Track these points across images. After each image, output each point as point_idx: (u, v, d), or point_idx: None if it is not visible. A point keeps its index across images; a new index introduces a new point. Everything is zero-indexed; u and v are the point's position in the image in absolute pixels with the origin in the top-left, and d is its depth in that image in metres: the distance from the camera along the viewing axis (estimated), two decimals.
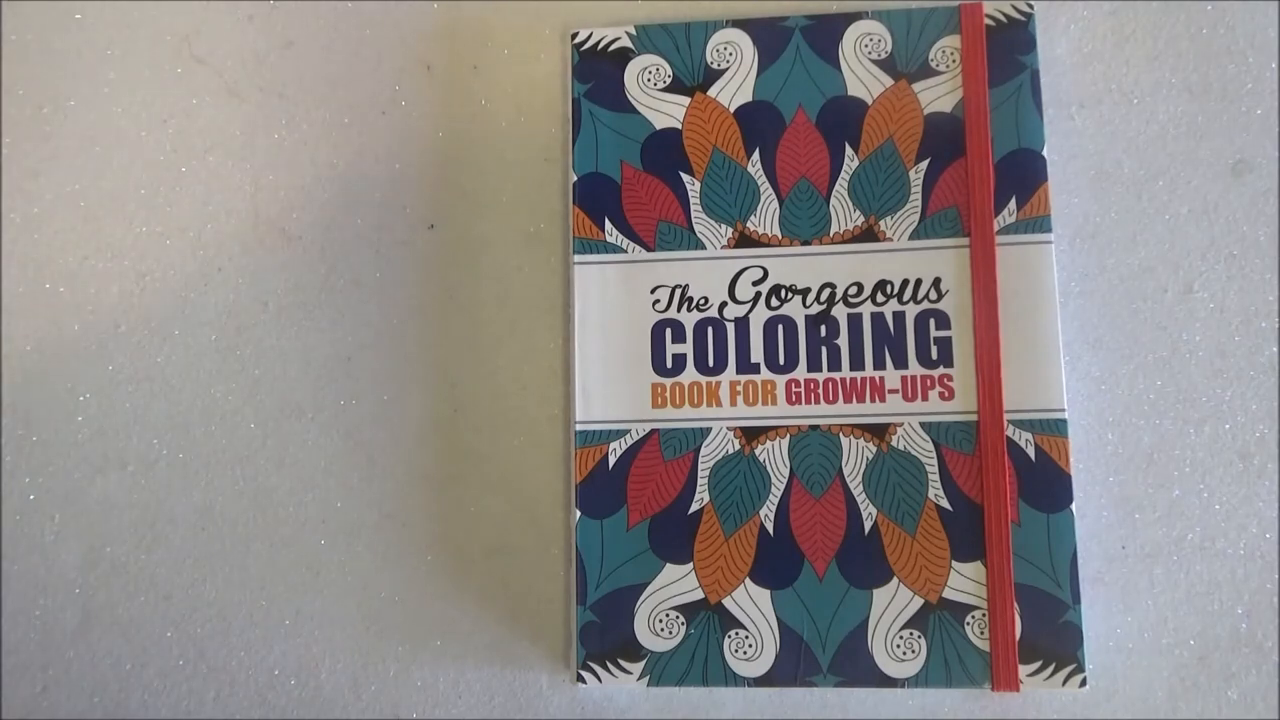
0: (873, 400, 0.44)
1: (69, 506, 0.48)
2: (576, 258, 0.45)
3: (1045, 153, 0.44)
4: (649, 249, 0.45)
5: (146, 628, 0.48)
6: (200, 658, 0.47)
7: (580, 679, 0.43)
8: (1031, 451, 0.42)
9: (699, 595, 0.43)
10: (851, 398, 0.44)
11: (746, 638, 0.43)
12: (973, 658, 0.42)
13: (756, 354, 0.44)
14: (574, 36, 0.47)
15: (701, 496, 0.44)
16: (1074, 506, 0.42)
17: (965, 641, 0.42)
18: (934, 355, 0.44)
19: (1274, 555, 0.44)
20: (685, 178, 0.45)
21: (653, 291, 0.45)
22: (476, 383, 0.48)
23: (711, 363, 0.44)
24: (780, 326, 0.44)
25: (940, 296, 0.44)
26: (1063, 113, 0.47)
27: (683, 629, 0.43)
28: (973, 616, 0.42)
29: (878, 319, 0.44)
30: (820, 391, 0.44)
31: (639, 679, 0.43)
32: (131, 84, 0.51)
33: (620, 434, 0.44)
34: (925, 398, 0.43)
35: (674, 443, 0.44)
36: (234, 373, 0.49)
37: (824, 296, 0.44)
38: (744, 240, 0.45)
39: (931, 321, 0.44)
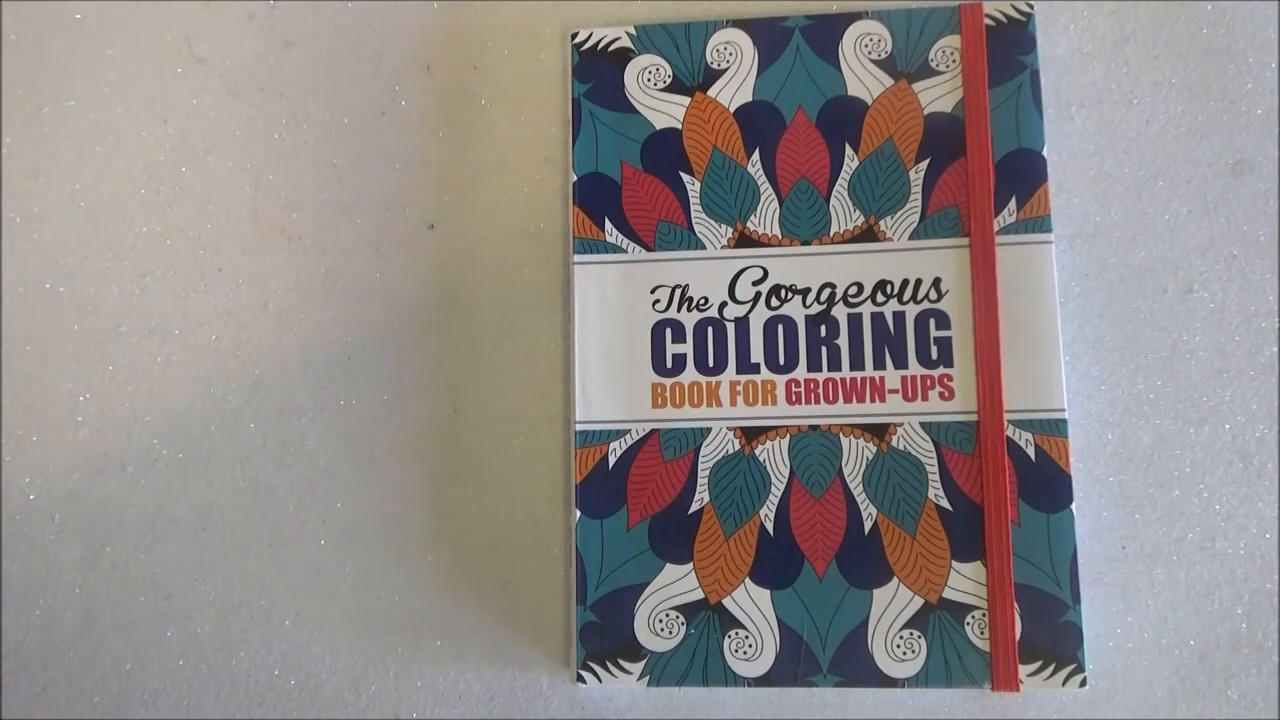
0: (873, 400, 0.44)
1: (69, 506, 0.48)
2: (576, 258, 0.45)
3: (1045, 153, 0.44)
4: (649, 249, 0.45)
5: (146, 628, 0.48)
6: (200, 658, 0.47)
7: (580, 679, 0.43)
8: (1031, 451, 0.42)
9: (699, 595, 0.43)
10: (851, 398, 0.44)
11: (746, 638, 0.43)
12: (973, 658, 0.42)
13: (756, 354, 0.44)
14: (574, 36, 0.47)
15: (701, 496, 0.44)
16: (1074, 506, 0.42)
17: (965, 641, 0.42)
18: (934, 355, 0.44)
19: (1274, 555, 0.44)
20: (685, 178, 0.45)
21: (653, 291, 0.45)
22: (476, 383, 0.48)
23: (711, 363, 0.44)
24: (780, 326, 0.44)
25: (940, 296, 0.44)
26: (1063, 113, 0.47)
27: (683, 629, 0.43)
28: (973, 616, 0.42)
29: (878, 319, 0.44)
30: (820, 391, 0.44)
31: (639, 679, 0.43)
32: (131, 84, 0.51)
33: (620, 434, 0.44)
34: (925, 398, 0.43)
35: (674, 443, 0.44)
36: (234, 373, 0.49)
37: (824, 296, 0.44)
38: (744, 240, 0.45)
39: (931, 321, 0.44)
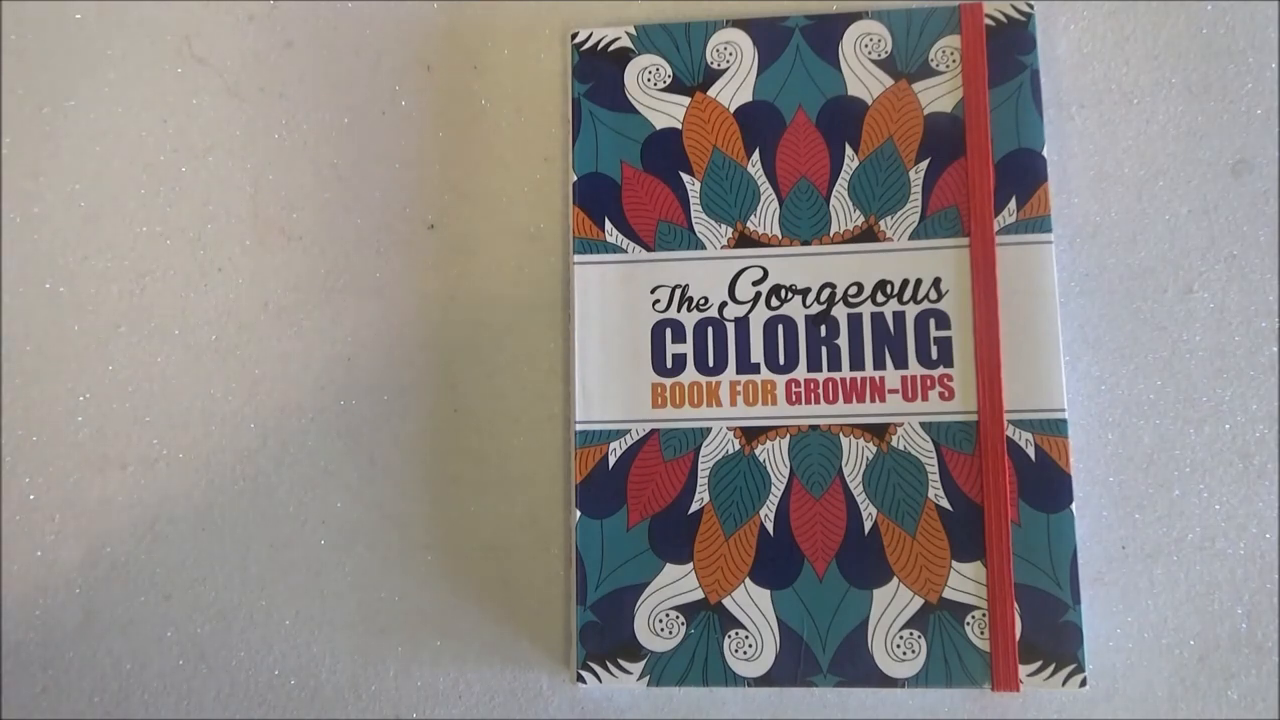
0: (873, 400, 0.44)
1: (69, 506, 0.48)
2: (576, 258, 0.45)
3: (1045, 153, 0.44)
4: (649, 249, 0.45)
5: (146, 628, 0.48)
6: (200, 658, 0.47)
7: (580, 679, 0.43)
8: (1031, 451, 0.42)
9: (699, 595, 0.43)
10: (851, 398, 0.44)
11: (746, 638, 0.43)
12: (973, 658, 0.42)
13: (756, 354, 0.44)
14: (574, 36, 0.47)
15: (701, 496, 0.44)
16: (1074, 506, 0.42)
17: (965, 641, 0.42)
18: (934, 355, 0.44)
19: (1274, 555, 0.44)
20: (685, 178, 0.45)
21: (653, 291, 0.45)
22: (476, 383, 0.48)
23: (711, 363, 0.44)
24: (780, 326, 0.44)
25: (940, 296, 0.44)
26: (1063, 113, 0.47)
27: (683, 629, 0.43)
28: (973, 616, 0.42)
29: (878, 319, 0.44)
30: (820, 391, 0.44)
31: (639, 679, 0.43)
32: (131, 84, 0.51)
33: (620, 434, 0.44)
34: (925, 398, 0.43)
35: (674, 443, 0.44)
36: (234, 373, 0.49)
37: (824, 296, 0.44)
38: (744, 240, 0.45)
39: (931, 321, 0.44)
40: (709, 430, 0.44)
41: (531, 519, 0.47)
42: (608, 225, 0.45)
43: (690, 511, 0.44)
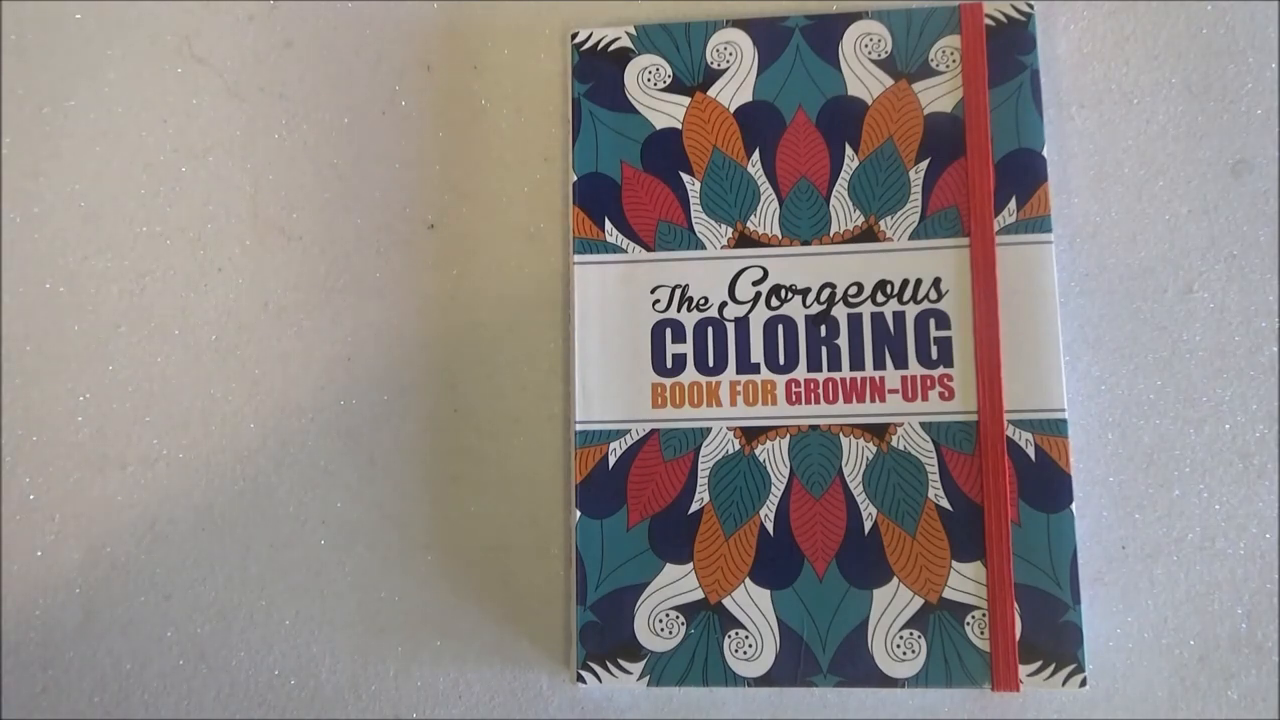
0: (873, 400, 0.44)
1: (69, 506, 0.48)
2: (576, 258, 0.45)
3: (1045, 153, 0.44)
4: (649, 249, 0.45)
5: (146, 628, 0.48)
6: (200, 658, 0.47)
7: (580, 679, 0.43)
8: (1031, 451, 0.42)
9: (699, 595, 0.43)
10: (851, 398, 0.44)
11: (746, 638, 0.43)
12: (973, 658, 0.42)
13: (756, 354, 0.44)
14: (574, 36, 0.47)
15: (701, 496, 0.44)
16: (1074, 506, 0.42)
17: (965, 641, 0.42)
18: (934, 355, 0.44)
19: (1274, 555, 0.44)
20: (685, 178, 0.45)
21: (653, 291, 0.45)
22: (476, 383, 0.48)
23: (711, 363, 0.44)
24: (780, 326, 0.44)
25: (940, 296, 0.44)
26: (1063, 113, 0.47)
27: (683, 629, 0.43)
28: (973, 616, 0.42)
29: (878, 319, 0.44)
30: (820, 391, 0.44)
31: (639, 679, 0.43)
32: (131, 84, 0.51)
33: (620, 434, 0.44)
34: (925, 398, 0.43)
35: (674, 443, 0.44)
36: (234, 373, 0.49)
37: (824, 296, 0.44)
38: (744, 240, 0.45)
39: (931, 321, 0.44)
40: (709, 430, 0.44)
41: (531, 519, 0.47)
42: (608, 225, 0.45)
43: (690, 511, 0.44)
